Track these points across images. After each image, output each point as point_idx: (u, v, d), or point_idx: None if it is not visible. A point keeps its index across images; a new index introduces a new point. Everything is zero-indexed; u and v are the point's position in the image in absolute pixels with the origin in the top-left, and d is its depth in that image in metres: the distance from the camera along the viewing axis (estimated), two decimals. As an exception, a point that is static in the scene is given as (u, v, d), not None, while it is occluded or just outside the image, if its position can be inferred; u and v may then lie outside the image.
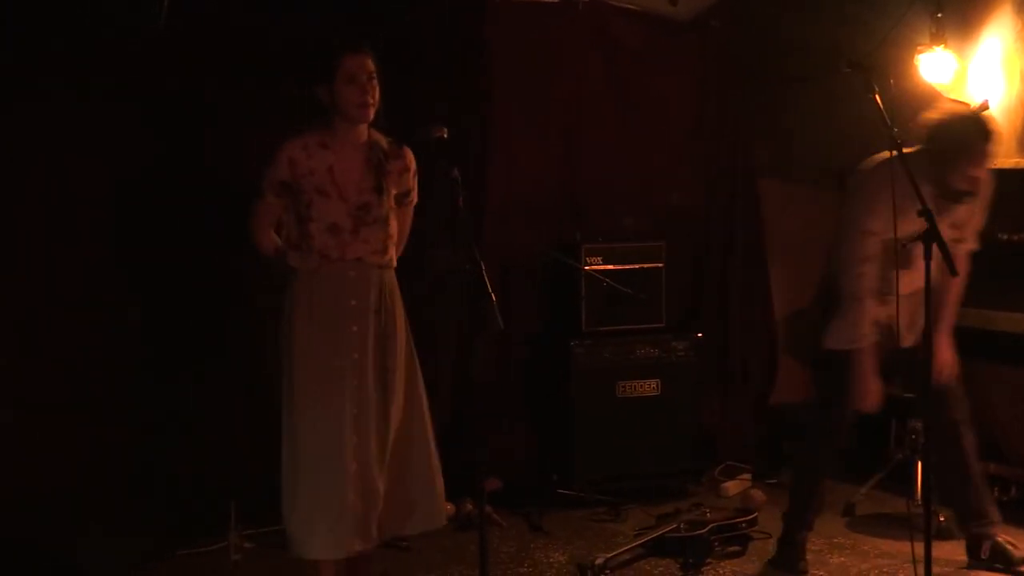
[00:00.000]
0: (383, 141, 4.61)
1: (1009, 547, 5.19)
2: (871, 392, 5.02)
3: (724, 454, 6.90)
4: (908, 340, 5.03)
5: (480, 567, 3.94)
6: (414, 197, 4.75)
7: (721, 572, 5.31)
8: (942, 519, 5.68)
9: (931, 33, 6.38)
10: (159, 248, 5.57)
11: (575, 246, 6.38)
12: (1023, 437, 6.21)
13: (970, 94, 6.42)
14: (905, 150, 4.46)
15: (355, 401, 4.49)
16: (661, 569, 5.34)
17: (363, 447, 4.49)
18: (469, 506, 5.93)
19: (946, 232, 4.84)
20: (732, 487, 6.54)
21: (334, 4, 5.88)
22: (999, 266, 6.05)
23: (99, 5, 5.37)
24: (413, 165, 4.69)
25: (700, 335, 6.57)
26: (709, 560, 5.37)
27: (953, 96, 6.46)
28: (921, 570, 4.26)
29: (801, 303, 7.41)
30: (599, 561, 5.20)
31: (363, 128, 4.57)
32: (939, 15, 6.37)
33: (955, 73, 6.43)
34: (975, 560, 5.23)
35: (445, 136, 4.11)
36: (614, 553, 5.34)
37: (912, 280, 4.81)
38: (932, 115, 5.00)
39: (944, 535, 5.55)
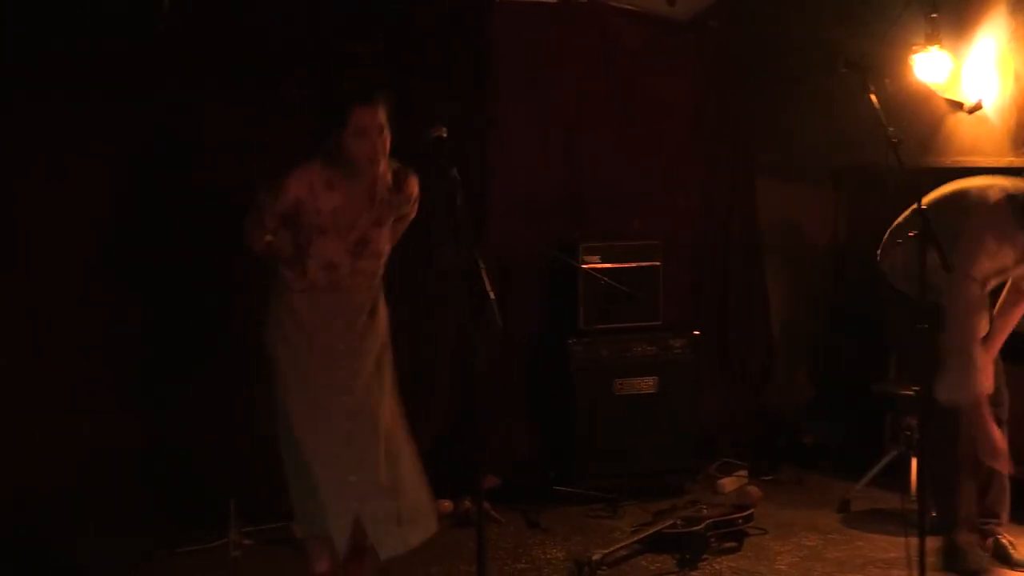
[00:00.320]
0: (388, 175, 4.60)
1: (1010, 547, 5.23)
2: (996, 441, 4.94)
3: (721, 451, 6.93)
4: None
5: (478, 563, 3.96)
6: (412, 214, 4.79)
7: (717, 568, 5.34)
8: (935, 515, 5.71)
9: (926, 33, 6.41)
10: (158, 248, 5.58)
11: (573, 245, 6.41)
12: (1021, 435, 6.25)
13: (965, 94, 6.45)
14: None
15: (347, 415, 4.56)
16: (658, 565, 5.37)
17: (360, 459, 4.57)
18: (467, 503, 5.96)
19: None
20: (728, 484, 6.57)
21: (336, 4, 5.90)
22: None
23: (99, 5, 5.38)
24: (415, 192, 4.70)
25: (697, 333, 6.60)
26: (705, 556, 5.40)
27: (948, 95, 6.51)
28: (916, 565, 4.29)
29: (797, 300, 7.47)
30: (596, 557, 5.22)
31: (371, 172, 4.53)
32: (934, 15, 6.39)
33: (950, 73, 6.46)
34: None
35: (445, 136, 4.13)
36: (611, 549, 5.37)
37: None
38: None
39: (938, 530, 5.59)
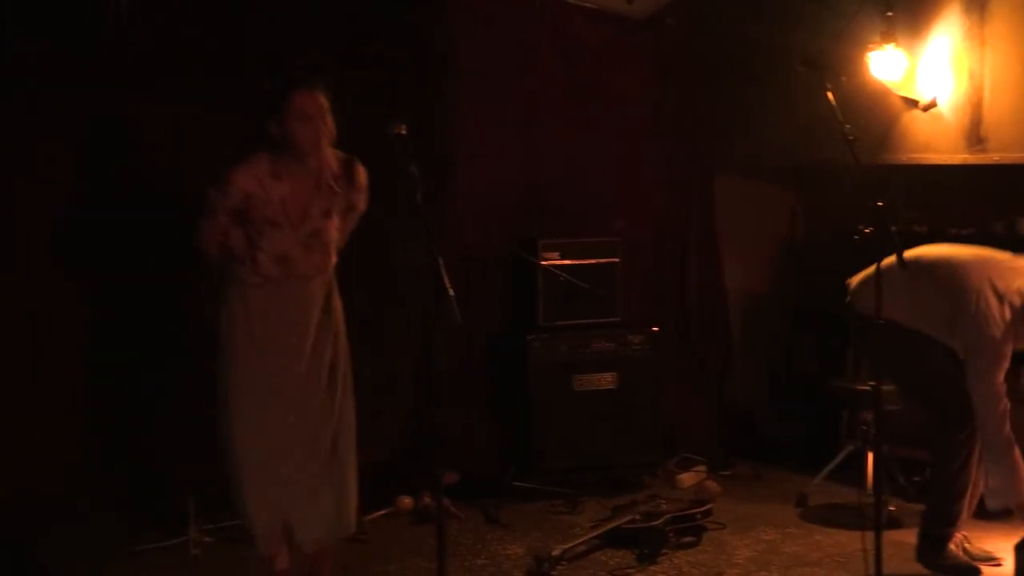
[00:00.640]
0: (335, 162, 4.64)
1: (965, 541, 5.28)
2: None
3: (680, 446, 6.95)
4: None
5: (438, 559, 3.97)
6: (362, 207, 4.82)
7: (676, 562, 5.37)
8: (892, 508, 5.78)
9: (882, 31, 6.46)
10: (112, 246, 5.54)
11: (533, 241, 6.42)
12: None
13: (920, 91, 6.50)
14: None
15: (294, 409, 4.58)
16: (617, 560, 5.39)
17: (303, 452, 4.59)
18: (427, 499, 5.97)
19: None
20: (687, 479, 6.60)
21: (293, 8, 5.87)
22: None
23: (45, 15, 5.32)
24: (363, 181, 4.74)
25: (656, 329, 6.62)
26: (664, 551, 5.43)
27: (903, 93, 6.56)
28: (872, 559, 4.33)
29: (755, 296, 7.52)
30: (556, 552, 5.24)
31: (315, 158, 4.57)
32: (889, 14, 6.44)
33: (905, 71, 6.51)
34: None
35: (404, 133, 4.14)
36: (570, 544, 5.38)
37: None
38: None
39: (894, 524, 5.65)
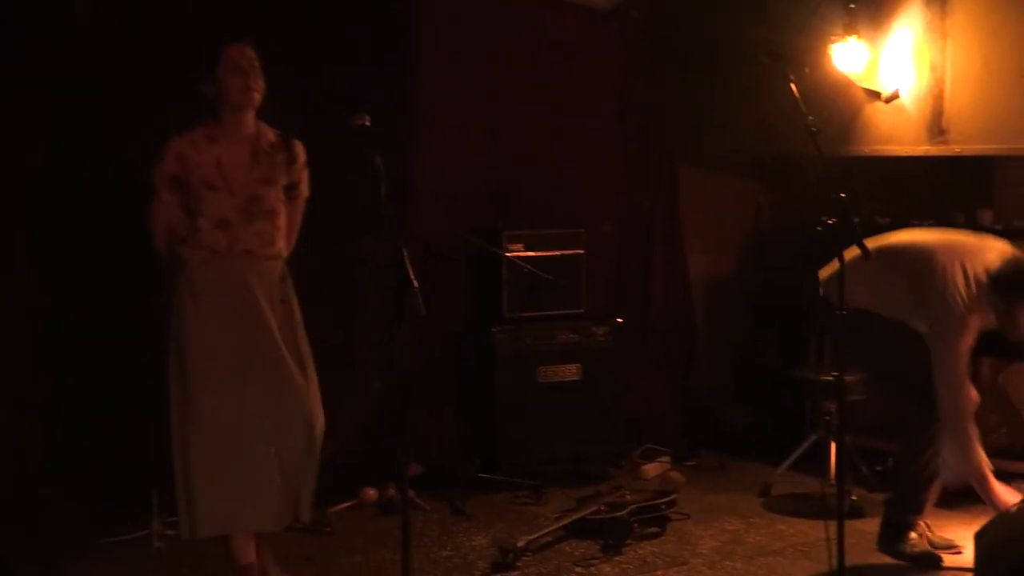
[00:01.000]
0: (271, 133, 4.71)
1: (927, 530, 5.32)
2: (1007, 502, 4.96)
3: (644, 437, 6.97)
4: None
5: (403, 551, 3.96)
6: (304, 190, 4.85)
7: (640, 553, 5.39)
8: (855, 498, 5.81)
9: (844, 24, 6.50)
10: (72, 236, 5.50)
11: (497, 233, 6.42)
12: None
13: (882, 83, 6.55)
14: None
15: (251, 390, 4.59)
16: (582, 551, 5.40)
17: (261, 434, 4.61)
18: (392, 491, 5.96)
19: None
20: (651, 470, 6.62)
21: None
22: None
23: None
24: (302, 157, 4.79)
25: (620, 320, 6.64)
26: (629, 541, 5.44)
27: (865, 85, 6.60)
28: (835, 548, 4.36)
29: (719, 287, 7.55)
30: (521, 544, 5.25)
31: (250, 120, 4.66)
32: (852, 6, 6.49)
33: (867, 63, 6.55)
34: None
35: (368, 124, 4.13)
36: (535, 535, 5.39)
37: None
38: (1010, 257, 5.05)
39: (857, 514, 5.69)
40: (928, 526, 5.33)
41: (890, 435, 6.00)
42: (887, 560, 5.20)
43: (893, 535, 5.24)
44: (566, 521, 5.56)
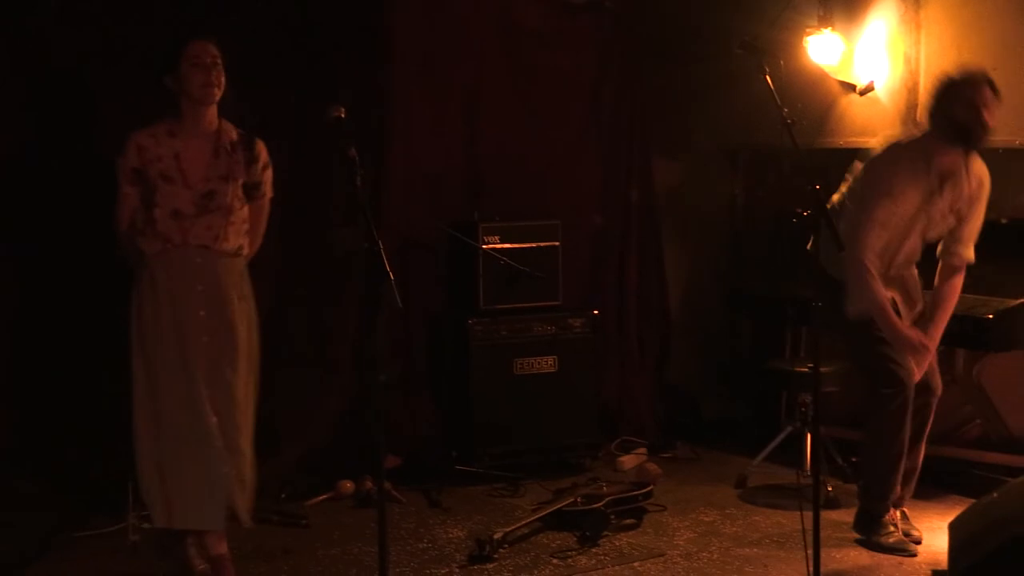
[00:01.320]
0: (233, 132, 4.77)
1: (903, 520, 5.35)
2: (911, 339, 5.06)
3: (621, 429, 6.99)
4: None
5: (379, 543, 3.96)
6: (266, 191, 4.89)
7: (617, 544, 5.40)
8: (830, 489, 5.84)
9: (819, 16, 6.51)
10: (43, 228, 5.48)
11: (473, 225, 6.42)
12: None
13: (856, 75, 6.57)
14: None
15: (207, 383, 4.65)
16: (559, 542, 5.41)
17: (216, 428, 4.66)
18: (369, 483, 5.95)
19: (943, 219, 5.11)
20: (628, 461, 6.63)
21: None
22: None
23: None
24: (264, 157, 4.84)
25: (596, 312, 6.64)
26: (605, 533, 5.45)
27: (840, 77, 6.61)
28: (810, 539, 4.37)
29: (695, 279, 7.57)
30: (497, 536, 5.24)
31: (211, 116, 4.71)
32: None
33: (842, 55, 6.56)
34: None
35: (343, 116, 4.13)
36: (512, 527, 5.39)
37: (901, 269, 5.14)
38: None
39: (832, 505, 5.71)
40: (905, 515, 5.36)
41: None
42: (863, 551, 5.23)
43: (867, 524, 5.27)
44: (543, 513, 5.56)
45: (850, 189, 5.27)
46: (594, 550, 5.32)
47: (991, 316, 5.48)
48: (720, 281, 7.55)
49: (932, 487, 5.92)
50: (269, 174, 4.87)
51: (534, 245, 6.51)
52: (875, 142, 5.29)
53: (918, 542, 5.28)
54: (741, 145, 7.35)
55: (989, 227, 5.38)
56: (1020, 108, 5.85)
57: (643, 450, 6.79)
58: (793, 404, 6.32)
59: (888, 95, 6.44)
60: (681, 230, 7.56)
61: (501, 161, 6.77)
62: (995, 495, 4.64)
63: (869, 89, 6.51)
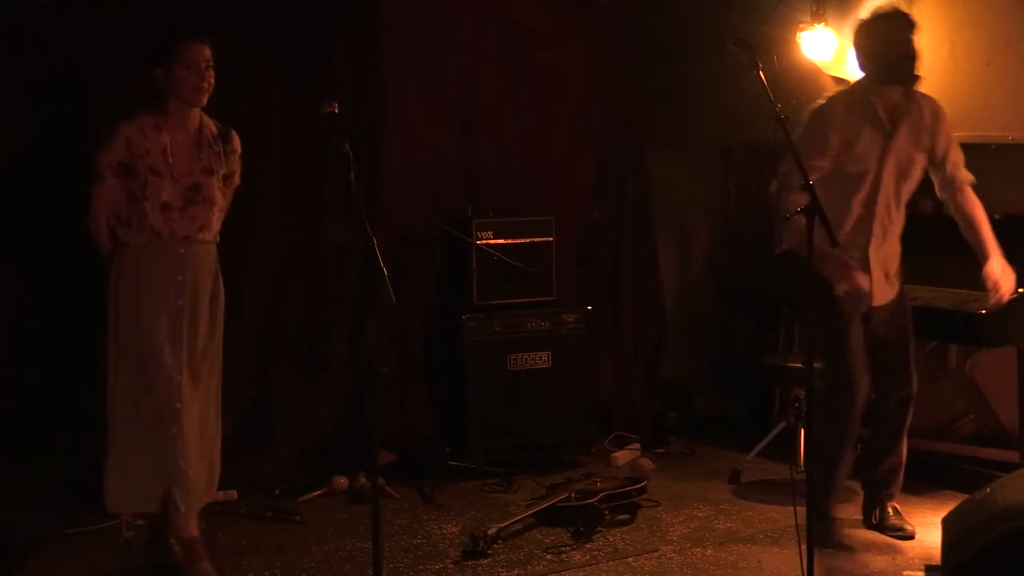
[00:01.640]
0: (212, 125, 4.87)
1: (893, 515, 5.35)
2: (845, 267, 5.03)
3: (615, 425, 7.00)
4: (879, 299, 5.17)
5: (373, 539, 3.96)
6: (236, 180, 4.99)
7: (611, 540, 5.40)
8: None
9: (812, 12, 6.53)
10: (42, 219, 5.46)
11: (467, 220, 6.42)
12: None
13: (849, 70, 6.56)
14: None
15: (179, 370, 4.75)
16: (552, 538, 5.41)
17: (187, 414, 4.75)
18: (362, 479, 5.95)
19: (910, 161, 5.09)
20: (622, 457, 6.63)
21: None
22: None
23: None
24: (239, 148, 4.95)
25: (590, 308, 6.64)
26: (599, 528, 5.45)
27: (833, 72, 6.62)
28: (804, 534, 4.38)
29: (689, 275, 7.57)
30: (491, 531, 5.24)
31: (196, 111, 4.81)
32: (819, -7, 6.52)
33: (835, 50, 6.57)
34: (869, 521, 5.39)
35: (336, 111, 4.14)
36: (506, 523, 5.39)
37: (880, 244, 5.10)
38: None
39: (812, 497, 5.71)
40: (896, 509, 5.37)
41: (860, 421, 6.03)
42: (856, 547, 5.23)
43: (816, 521, 5.30)
44: (537, 509, 5.57)
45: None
46: (588, 546, 5.32)
47: (984, 311, 5.47)
48: (714, 277, 7.56)
49: (925, 482, 5.93)
50: (240, 164, 4.98)
51: (528, 241, 6.51)
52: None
53: (911, 537, 5.29)
54: (735, 141, 7.35)
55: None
56: (1013, 103, 5.87)
57: (637, 446, 6.79)
58: (787, 400, 6.34)
59: (881, 90, 6.43)
60: (675, 226, 7.56)
61: (496, 157, 6.77)
62: (988, 490, 4.65)
63: (862, 84, 6.51)
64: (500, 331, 6.39)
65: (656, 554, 5.22)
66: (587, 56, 7.11)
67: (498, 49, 6.81)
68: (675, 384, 7.44)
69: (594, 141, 7.17)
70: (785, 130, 4.42)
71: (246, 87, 5.74)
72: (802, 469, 5.61)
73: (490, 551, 5.19)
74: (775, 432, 6.31)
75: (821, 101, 5.20)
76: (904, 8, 5.23)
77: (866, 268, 5.13)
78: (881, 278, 5.19)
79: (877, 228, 5.16)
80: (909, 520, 5.39)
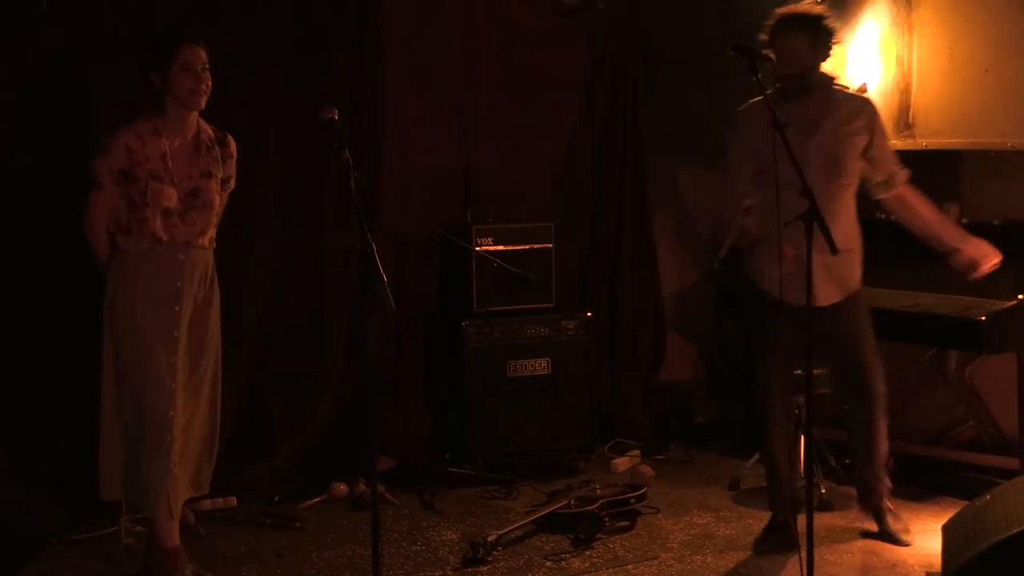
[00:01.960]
0: (209, 129, 4.88)
1: (890, 516, 5.36)
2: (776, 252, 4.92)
3: (614, 431, 6.99)
4: (820, 299, 5.09)
5: (373, 546, 3.96)
6: (232, 184, 5.00)
7: (611, 547, 5.40)
8: (823, 491, 5.84)
9: (812, 19, 6.50)
10: (38, 230, 5.47)
11: (466, 226, 6.42)
12: (901, 410, 6.40)
13: (849, 77, 6.56)
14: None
15: (174, 376, 4.75)
16: (552, 545, 5.41)
17: (178, 420, 4.77)
18: (362, 485, 5.95)
19: (814, 158, 5.01)
20: (621, 463, 6.63)
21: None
22: (875, 244, 6.20)
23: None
24: (235, 152, 4.97)
25: (590, 314, 6.64)
26: (599, 535, 5.45)
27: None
28: (804, 541, 4.37)
29: (688, 280, 7.57)
30: (491, 538, 5.24)
31: (193, 115, 4.81)
32: (820, 0, 6.50)
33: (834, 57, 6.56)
34: (880, 528, 5.39)
35: (336, 117, 4.14)
36: (506, 530, 5.39)
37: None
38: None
39: (825, 507, 5.71)
40: (892, 512, 5.36)
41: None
42: (856, 553, 5.23)
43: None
44: (536, 515, 5.56)
45: None
46: (588, 552, 5.32)
47: (984, 318, 5.48)
48: (713, 282, 7.55)
49: (925, 489, 5.94)
50: (235, 167, 4.99)
51: (527, 247, 6.51)
52: None
53: (907, 545, 5.28)
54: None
55: (981, 229, 5.39)
56: (1012, 110, 5.86)
57: (636, 452, 6.78)
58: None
59: (881, 97, 6.43)
60: (674, 231, 7.56)
61: (494, 162, 6.77)
62: (988, 497, 4.67)
63: (862, 91, 6.51)
64: (500, 338, 6.39)
65: (656, 561, 5.22)
66: (586, 61, 7.11)
67: (497, 53, 6.81)
68: (674, 390, 7.43)
69: (593, 145, 7.17)
70: (784, 136, 4.42)
71: (244, 92, 5.74)
72: (802, 476, 5.59)
73: (490, 558, 5.19)
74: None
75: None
76: (904, 18, 5.24)
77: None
78: (823, 276, 5.11)
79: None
80: (908, 526, 5.37)
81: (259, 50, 5.93)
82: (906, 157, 6.32)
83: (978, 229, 5.35)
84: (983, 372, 6.14)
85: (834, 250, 4.45)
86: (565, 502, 5.63)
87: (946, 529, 4.81)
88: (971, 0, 6.14)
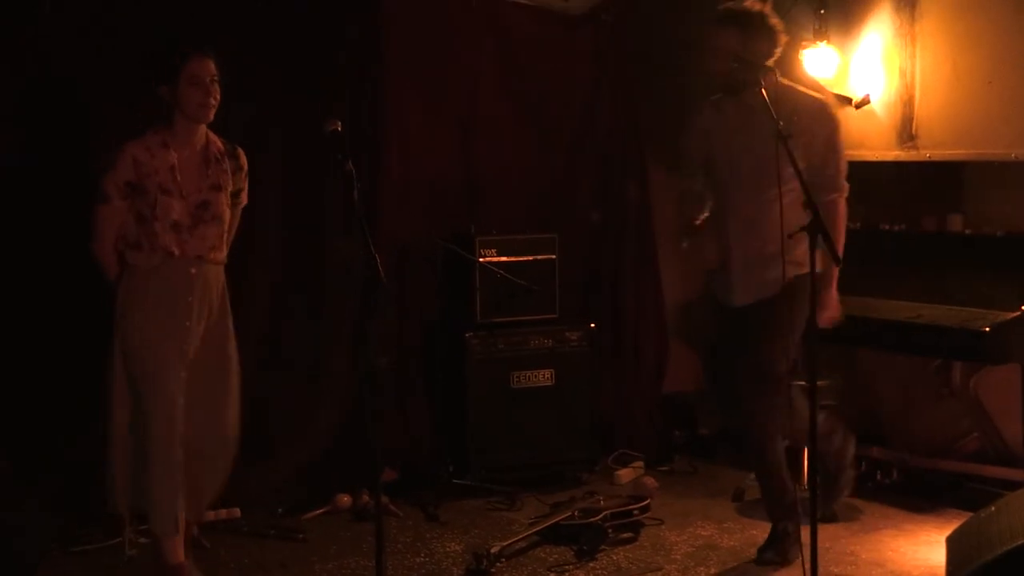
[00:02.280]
0: (219, 141, 4.84)
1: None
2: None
3: (618, 442, 6.98)
4: (739, 299, 5.24)
5: (376, 557, 3.96)
6: (244, 198, 4.97)
7: (615, 558, 5.39)
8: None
9: (814, 29, 6.52)
10: (38, 231, 5.47)
11: (470, 238, 6.42)
12: (905, 421, 6.40)
13: (852, 89, 6.57)
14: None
15: (183, 392, 4.71)
16: (556, 556, 5.40)
17: (182, 438, 4.71)
18: (366, 497, 5.95)
19: (736, 156, 5.11)
20: (625, 475, 6.62)
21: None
22: (879, 255, 6.21)
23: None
24: (246, 165, 4.92)
25: (593, 325, 6.64)
26: (603, 547, 5.44)
27: (836, 90, 6.62)
28: (808, 552, 4.37)
29: (691, 291, 7.55)
30: (495, 550, 5.24)
31: (202, 128, 4.78)
32: (822, 11, 6.51)
33: (837, 68, 6.58)
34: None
35: (339, 129, 4.16)
36: (509, 541, 5.39)
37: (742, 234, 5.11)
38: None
39: (829, 518, 5.70)
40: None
41: (863, 440, 6.03)
42: (860, 565, 5.22)
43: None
44: (540, 527, 5.56)
45: None
46: (591, 564, 5.31)
47: (987, 329, 5.48)
48: (716, 292, 7.53)
49: (929, 501, 5.93)
50: (247, 181, 4.95)
51: (531, 258, 6.51)
52: (870, 154, 5.30)
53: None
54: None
55: (984, 241, 5.39)
56: (1015, 121, 5.86)
57: (640, 463, 6.78)
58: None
59: (884, 108, 6.44)
60: (677, 242, 7.54)
61: (497, 172, 6.77)
62: (993, 509, 4.65)
63: (865, 102, 6.52)
64: (503, 349, 6.39)
65: (660, 573, 5.22)
66: (588, 71, 7.11)
67: (499, 64, 6.81)
68: (678, 401, 7.42)
69: (596, 156, 7.16)
70: (787, 146, 4.43)
71: (246, 98, 5.73)
72: (805, 487, 5.59)
73: (493, 569, 5.19)
74: (779, 451, 6.29)
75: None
76: (907, 29, 5.25)
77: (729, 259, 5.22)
78: (741, 276, 5.15)
79: (732, 220, 5.20)
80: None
81: (259, 50, 5.93)
82: (909, 168, 6.36)
83: (981, 241, 5.35)
84: (988, 384, 6.12)
85: (838, 261, 4.46)
86: (569, 513, 5.63)
87: (950, 541, 4.79)
88: (975, 11, 6.14)
